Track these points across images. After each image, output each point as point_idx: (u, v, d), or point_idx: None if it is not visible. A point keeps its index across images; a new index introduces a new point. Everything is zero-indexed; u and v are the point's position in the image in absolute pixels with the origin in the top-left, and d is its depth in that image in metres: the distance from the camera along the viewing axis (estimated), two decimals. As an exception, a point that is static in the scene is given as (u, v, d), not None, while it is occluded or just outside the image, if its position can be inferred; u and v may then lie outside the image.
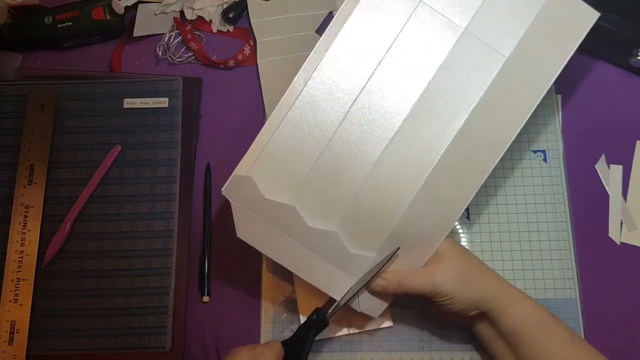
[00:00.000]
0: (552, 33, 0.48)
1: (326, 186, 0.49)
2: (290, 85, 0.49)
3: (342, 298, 0.48)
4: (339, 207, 0.49)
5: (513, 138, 0.48)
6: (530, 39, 0.48)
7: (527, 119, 0.48)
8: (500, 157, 0.48)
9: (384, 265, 0.48)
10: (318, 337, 0.54)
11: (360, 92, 0.49)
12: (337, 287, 0.49)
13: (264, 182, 0.49)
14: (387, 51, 0.49)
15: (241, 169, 0.49)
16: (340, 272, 0.49)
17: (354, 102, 0.49)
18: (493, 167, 0.48)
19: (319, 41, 0.49)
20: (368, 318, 0.53)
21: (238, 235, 0.49)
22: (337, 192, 0.49)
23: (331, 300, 0.49)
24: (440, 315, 0.52)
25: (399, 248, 0.48)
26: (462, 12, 0.48)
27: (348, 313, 0.54)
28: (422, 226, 0.48)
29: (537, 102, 0.48)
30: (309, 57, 0.49)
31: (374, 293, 0.49)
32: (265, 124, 0.49)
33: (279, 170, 0.49)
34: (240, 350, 0.46)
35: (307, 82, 0.49)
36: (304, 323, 0.49)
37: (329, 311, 0.48)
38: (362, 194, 0.49)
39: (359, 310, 0.50)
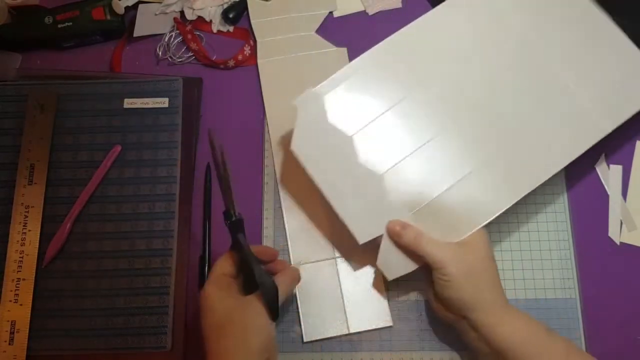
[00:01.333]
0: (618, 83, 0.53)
1: (387, 139, 0.51)
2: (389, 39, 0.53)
3: (228, 190, 0.49)
4: (391, 159, 0.51)
5: (552, 173, 0.51)
6: (595, 83, 0.53)
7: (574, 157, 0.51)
8: (538, 184, 0.50)
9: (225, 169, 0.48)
10: (320, 337, 0.54)
11: (437, 75, 0.53)
12: (362, 228, 0.50)
13: (334, 110, 0.51)
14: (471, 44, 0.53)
15: (321, 88, 0.52)
16: (371, 217, 0.50)
17: (433, 77, 0.53)
18: (550, 175, 0.51)
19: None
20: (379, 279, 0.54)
21: (291, 147, 0.50)
22: (395, 146, 0.51)
23: (228, 195, 0.49)
24: (432, 297, 0.51)
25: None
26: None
27: (352, 312, 0.55)
28: (462, 208, 0.49)
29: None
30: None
31: (393, 244, 0.49)
32: (357, 59, 0.53)
33: (352, 105, 0.51)
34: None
35: (416, 24, 0.53)
36: (230, 231, 0.48)
37: (232, 209, 0.48)
38: (417, 157, 0.50)
39: (376, 264, 0.50)
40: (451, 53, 0.53)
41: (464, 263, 0.47)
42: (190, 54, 0.64)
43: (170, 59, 0.64)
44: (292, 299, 0.55)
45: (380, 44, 0.53)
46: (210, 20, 0.65)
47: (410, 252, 0.49)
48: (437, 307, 0.50)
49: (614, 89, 0.52)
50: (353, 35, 0.63)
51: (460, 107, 0.52)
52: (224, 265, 0.48)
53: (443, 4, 0.55)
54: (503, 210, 0.50)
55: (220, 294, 0.46)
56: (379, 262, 0.50)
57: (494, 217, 0.50)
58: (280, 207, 0.58)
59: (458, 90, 0.52)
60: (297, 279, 0.52)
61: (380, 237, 0.50)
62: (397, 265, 0.50)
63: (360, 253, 0.54)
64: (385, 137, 0.51)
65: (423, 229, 0.49)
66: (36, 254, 0.55)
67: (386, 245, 0.50)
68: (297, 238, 0.57)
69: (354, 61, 0.53)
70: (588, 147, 0.51)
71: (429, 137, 0.51)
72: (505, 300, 0.49)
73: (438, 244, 0.48)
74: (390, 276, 0.50)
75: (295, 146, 0.51)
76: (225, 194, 0.48)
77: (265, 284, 0.46)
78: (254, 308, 0.45)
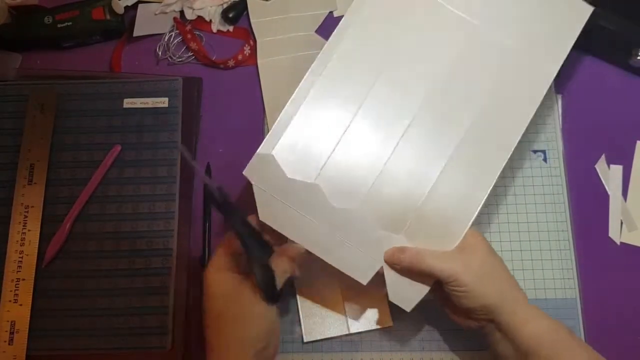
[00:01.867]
0: (550, 29, 0.51)
1: (349, 167, 0.49)
2: (310, 69, 0.51)
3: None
4: (362, 188, 0.49)
5: (521, 133, 0.49)
6: (530, 35, 0.51)
7: (534, 111, 0.50)
8: (511, 150, 0.49)
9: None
10: (320, 337, 0.54)
11: (375, 81, 0.50)
12: (361, 269, 0.48)
13: (286, 162, 0.49)
14: (399, 45, 0.51)
15: (264, 148, 0.49)
16: (364, 254, 0.48)
17: (372, 86, 0.50)
18: (507, 157, 0.49)
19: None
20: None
21: (260, 218, 0.48)
22: (360, 174, 0.49)
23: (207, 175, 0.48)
24: (450, 310, 0.50)
25: (208, 163, 0.50)
26: (471, 8, 0.51)
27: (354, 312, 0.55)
28: (448, 209, 0.48)
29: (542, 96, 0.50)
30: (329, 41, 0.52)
31: (398, 271, 0.47)
32: (288, 104, 0.50)
33: (302, 150, 0.49)
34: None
35: (326, 65, 0.51)
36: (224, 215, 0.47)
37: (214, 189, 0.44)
38: (387, 174, 0.49)
39: (390, 300, 0.48)
40: (383, 54, 0.51)
41: (473, 268, 0.46)
42: (190, 53, 0.64)
43: (170, 59, 0.64)
44: (291, 283, 0.54)
45: (309, 72, 0.51)
46: (210, 20, 0.65)
47: (415, 274, 0.47)
48: (459, 320, 0.49)
49: (548, 32, 0.51)
50: (353, 35, 0.63)
51: (410, 108, 0.50)
52: (229, 243, 0.46)
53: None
54: (488, 193, 0.48)
55: (219, 277, 0.45)
56: (391, 297, 0.48)
57: (481, 204, 0.48)
58: (280, 207, 0.58)
59: (404, 92, 0.50)
60: (296, 258, 0.48)
61: (382, 269, 0.48)
62: (411, 293, 0.48)
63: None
64: (348, 167, 0.49)
65: (420, 245, 0.47)
66: (36, 254, 0.55)
67: (391, 277, 0.48)
68: (297, 238, 0.57)
69: (287, 106, 0.50)
70: (542, 96, 0.50)
71: (390, 150, 0.49)
72: (523, 294, 0.47)
73: (441, 257, 0.46)
74: (408, 307, 0.48)
75: (264, 217, 0.48)
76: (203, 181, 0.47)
77: (259, 267, 0.44)
78: (248, 294, 0.44)
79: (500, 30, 0.51)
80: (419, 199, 0.48)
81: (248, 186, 0.57)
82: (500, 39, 0.51)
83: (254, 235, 0.46)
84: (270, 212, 0.48)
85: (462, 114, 0.50)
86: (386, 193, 0.49)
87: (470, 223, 0.48)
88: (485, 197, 0.48)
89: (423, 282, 0.48)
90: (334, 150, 0.49)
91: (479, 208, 0.48)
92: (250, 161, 0.49)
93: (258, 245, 0.46)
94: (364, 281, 0.48)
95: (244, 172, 0.49)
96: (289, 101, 0.50)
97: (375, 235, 0.48)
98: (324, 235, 0.48)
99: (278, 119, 0.50)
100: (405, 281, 0.48)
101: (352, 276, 0.48)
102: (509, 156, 0.49)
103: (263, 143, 0.49)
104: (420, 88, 0.50)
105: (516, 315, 0.45)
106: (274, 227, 0.48)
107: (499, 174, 0.49)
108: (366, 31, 0.51)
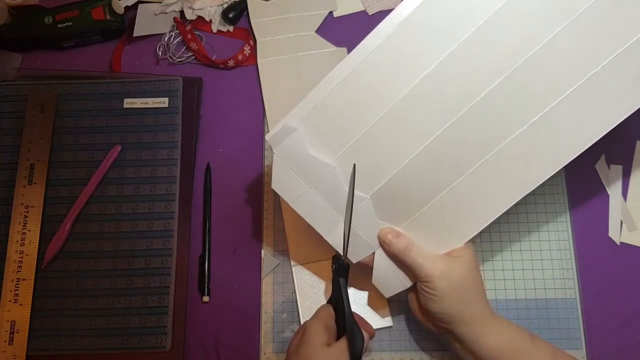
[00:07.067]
0: None
1: (371, 156, 0.48)
2: (360, 44, 0.47)
3: (345, 234, 0.49)
4: (377, 179, 0.49)
5: (574, 155, 0.45)
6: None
7: (599, 137, 0.45)
8: (557, 170, 0.45)
9: (352, 191, 0.48)
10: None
11: (432, 68, 0.46)
12: (355, 250, 0.49)
13: (310, 136, 0.49)
14: (471, 28, 0.45)
15: (291, 118, 0.49)
16: (361, 238, 0.49)
17: (422, 77, 0.46)
18: (545, 178, 0.45)
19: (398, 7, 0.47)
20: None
21: (272, 186, 0.49)
22: (379, 165, 0.48)
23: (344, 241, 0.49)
24: (416, 306, 0.50)
25: (355, 165, 0.48)
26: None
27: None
28: (452, 218, 0.48)
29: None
30: (387, 18, 0.47)
31: (386, 252, 0.49)
32: (325, 79, 0.48)
33: (328, 128, 0.49)
34: (291, 340, 0.48)
35: (377, 46, 0.47)
36: (333, 275, 0.50)
37: (342, 253, 0.49)
38: (404, 172, 0.48)
39: (372, 282, 0.50)
40: (442, 46, 0.46)
41: (453, 278, 0.46)
42: (190, 54, 0.64)
43: (170, 59, 0.64)
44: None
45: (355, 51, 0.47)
46: (210, 20, 0.65)
47: (400, 263, 0.49)
48: (420, 318, 0.50)
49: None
50: (353, 35, 0.63)
51: (455, 107, 0.46)
52: (327, 310, 0.49)
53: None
54: (503, 212, 0.47)
55: (319, 328, 0.46)
56: (374, 280, 0.50)
57: (493, 219, 0.47)
58: (280, 207, 0.58)
59: (449, 88, 0.46)
60: (373, 335, 0.51)
61: (372, 256, 0.49)
62: (393, 282, 0.49)
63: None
64: (372, 154, 0.48)
65: (416, 238, 0.48)
66: (36, 254, 0.55)
67: (379, 262, 0.49)
68: (297, 238, 0.57)
69: (328, 76, 0.48)
70: (613, 125, 0.44)
71: (419, 147, 0.47)
72: (490, 311, 0.48)
73: (428, 257, 0.47)
74: (387, 294, 0.50)
75: (276, 186, 0.49)
76: (344, 237, 0.49)
77: (355, 331, 0.46)
78: (340, 351, 0.45)
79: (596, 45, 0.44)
80: (428, 202, 0.48)
81: (248, 186, 0.57)
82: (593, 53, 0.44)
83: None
84: (283, 183, 0.49)
85: (508, 126, 0.45)
86: (401, 187, 0.48)
87: (471, 237, 0.48)
88: (497, 216, 0.47)
89: (408, 275, 0.49)
90: (359, 137, 0.48)
91: (485, 225, 0.47)
92: (275, 130, 0.49)
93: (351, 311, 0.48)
94: (354, 260, 0.49)
95: (266, 138, 0.49)
96: (337, 66, 0.47)
97: (376, 223, 0.49)
98: (328, 215, 0.49)
99: (314, 89, 0.48)
100: (392, 269, 0.49)
101: (348, 257, 0.49)
102: (537, 184, 0.46)
103: (292, 111, 0.49)
104: (474, 89, 0.46)
105: (475, 329, 0.46)
106: (283, 197, 0.49)
107: (526, 192, 0.46)
108: (445, 6, 0.46)
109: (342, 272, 0.49)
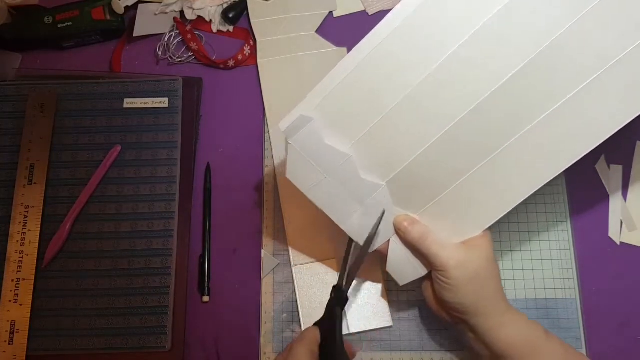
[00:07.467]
0: None
1: (388, 142, 0.47)
2: (373, 31, 0.45)
3: (350, 266, 0.49)
4: (394, 166, 0.48)
5: (587, 151, 0.44)
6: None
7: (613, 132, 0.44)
8: (579, 158, 0.44)
9: (376, 231, 0.48)
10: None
11: (453, 50, 0.44)
12: (374, 241, 0.49)
13: (325, 124, 0.48)
14: (495, 8, 0.44)
15: (306, 107, 0.48)
16: (379, 230, 0.48)
17: (443, 60, 0.45)
18: (566, 167, 0.44)
19: None
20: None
21: (287, 176, 0.48)
22: (396, 151, 0.47)
23: (342, 275, 0.49)
24: (430, 294, 0.50)
25: (384, 211, 0.48)
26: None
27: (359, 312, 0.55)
28: (470, 205, 0.47)
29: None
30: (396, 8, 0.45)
31: (402, 240, 0.48)
32: (338, 65, 0.47)
33: (344, 115, 0.47)
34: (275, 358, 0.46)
35: (393, 30, 0.45)
36: (329, 301, 0.49)
37: (344, 284, 0.49)
38: (422, 158, 0.47)
39: (386, 269, 0.49)
40: (457, 38, 0.45)
41: (469, 268, 0.46)
42: (190, 54, 0.64)
43: (170, 59, 0.64)
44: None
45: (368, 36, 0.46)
46: (210, 20, 0.65)
47: (416, 251, 0.48)
48: (434, 307, 0.50)
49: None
50: (353, 35, 0.63)
51: (477, 92, 0.45)
52: (314, 333, 0.47)
53: None
54: (521, 201, 0.46)
55: (306, 353, 0.45)
56: (388, 268, 0.49)
57: (507, 211, 0.46)
58: (280, 207, 0.58)
59: (471, 72, 0.45)
60: (355, 356, 0.52)
61: (387, 243, 0.49)
62: (408, 270, 0.49)
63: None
64: (387, 141, 0.47)
65: (433, 227, 0.48)
66: (36, 254, 0.55)
67: (394, 250, 0.49)
68: (297, 238, 0.57)
69: (342, 62, 0.46)
70: (627, 122, 0.43)
71: (436, 135, 0.46)
72: (505, 303, 0.48)
73: (444, 246, 0.47)
74: (401, 282, 0.49)
75: (291, 175, 0.48)
76: (350, 270, 0.49)
77: (345, 356, 0.46)
78: None
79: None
80: (446, 189, 0.47)
81: (248, 186, 0.57)
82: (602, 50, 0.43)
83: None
84: (298, 172, 0.48)
85: (531, 112, 0.44)
86: (418, 174, 0.47)
87: (489, 225, 0.47)
88: (513, 206, 0.46)
89: (423, 263, 0.48)
90: (374, 124, 0.47)
91: (503, 214, 0.47)
92: (289, 119, 0.48)
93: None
94: (370, 249, 0.49)
95: (279, 126, 0.47)
96: (351, 52, 0.46)
97: (392, 211, 0.48)
98: (344, 204, 0.48)
99: (327, 76, 0.47)
100: (407, 257, 0.48)
101: (359, 242, 0.49)
102: (558, 173, 0.45)
103: (306, 99, 0.47)
104: (501, 71, 0.44)
105: (490, 321, 0.46)
106: (299, 187, 0.49)
107: (547, 181, 0.45)
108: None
109: (341, 302, 0.48)
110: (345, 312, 0.55)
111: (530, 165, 0.45)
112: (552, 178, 0.45)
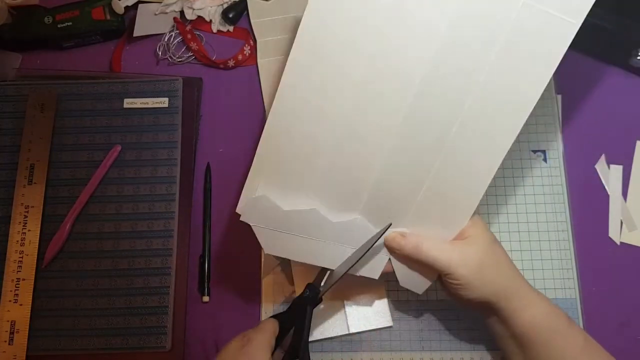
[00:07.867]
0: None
1: (342, 176, 0.48)
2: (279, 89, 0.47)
3: (333, 273, 0.48)
4: (359, 194, 0.48)
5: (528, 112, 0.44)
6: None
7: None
8: (528, 114, 0.44)
9: (376, 242, 0.47)
10: (320, 337, 0.54)
11: (357, 82, 0.46)
12: (370, 267, 0.49)
13: (277, 194, 0.48)
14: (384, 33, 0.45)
15: (251, 187, 0.48)
16: (371, 253, 0.48)
17: (355, 83, 0.46)
18: (520, 126, 0.45)
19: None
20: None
21: (266, 252, 0.48)
22: (354, 180, 0.48)
23: (321, 275, 0.49)
24: (452, 297, 0.49)
25: (390, 224, 0.47)
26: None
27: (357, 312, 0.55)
28: (447, 198, 0.47)
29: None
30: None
31: (400, 257, 0.48)
32: (262, 136, 0.48)
33: (288, 175, 0.48)
34: (229, 344, 0.44)
35: (296, 85, 0.47)
36: (299, 298, 0.48)
37: (321, 286, 0.48)
38: (381, 176, 0.47)
39: (401, 286, 0.49)
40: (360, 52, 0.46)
41: (473, 261, 0.45)
42: (190, 54, 0.64)
43: (170, 59, 0.64)
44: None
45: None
46: (210, 20, 0.65)
47: (416, 262, 0.47)
48: (457, 303, 0.49)
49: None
50: (353, 35, 0.63)
51: (399, 99, 0.46)
52: (274, 325, 0.47)
53: None
54: (492, 177, 0.46)
55: (265, 345, 0.44)
56: (402, 284, 0.49)
57: (486, 187, 0.46)
58: (280, 207, 0.58)
59: (385, 85, 0.45)
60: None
61: (389, 263, 0.49)
62: (420, 280, 0.49)
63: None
64: (342, 174, 0.48)
65: (423, 232, 0.48)
66: (36, 254, 0.55)
67: (398, 268, 0.49)
68: (297, 238, 0.57)
69: (266, 126, 0.48)
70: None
71: (384, 149, 0.47)
72: (523, 281, 0.47)
73: (441, 249, 0.46)
74: (419, 291, 0.49)
75: (269, 250, 0.48)
76: (331, 274, 0.49)
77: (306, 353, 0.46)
78: None
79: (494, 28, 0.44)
80: (418, 192, 0.47)
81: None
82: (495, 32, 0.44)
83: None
84: (274, 244, 0.48)
85: (459, 97, 0.45)
86: (385, 191, 0.48)
87: (472, 211, 0.47)
88: (491, 178, 0.46)
89: (429, 270, 0.48)
90: (325, 159, 0.47)
91: (480, 196, 0.46)
92: (243, 205, 0.48)
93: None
94: (376, 276, 0.49)
95: (241, 219, 0.47)
96: (268, 116, 0.47)
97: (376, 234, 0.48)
98: (331, 250, 0.48)
99: (257, 150, 0.48)
100: (412, 270, 0.49)
101: (365, 276, 0.49)
102: (515, 136, 0.45)
103: (248, 181, 0.48)
104: (414, 75, 0.45)
105: (513, 303, 0.46)
106: (282, 256, 0.49)
107: (502, 156, 0.46)
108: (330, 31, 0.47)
109: (313, 301, 0.48)
110: (345, 313, 0.55)
111: (484, 142, 0.46)
112: (510, 145, 0.45)
